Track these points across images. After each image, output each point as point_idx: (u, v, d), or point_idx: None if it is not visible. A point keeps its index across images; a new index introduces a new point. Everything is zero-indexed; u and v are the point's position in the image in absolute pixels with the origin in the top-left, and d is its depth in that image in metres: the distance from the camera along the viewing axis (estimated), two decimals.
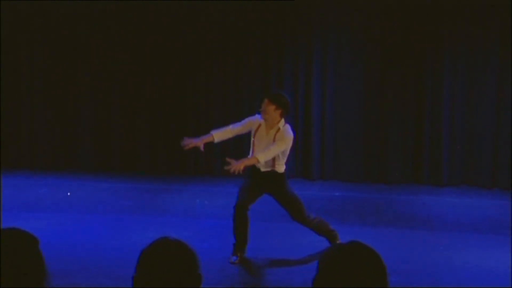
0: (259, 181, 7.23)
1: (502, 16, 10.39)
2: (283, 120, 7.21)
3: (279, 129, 7.16)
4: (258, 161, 7.06)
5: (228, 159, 7.07)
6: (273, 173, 7.21)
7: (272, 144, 7.09)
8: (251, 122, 7.36)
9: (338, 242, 7.20)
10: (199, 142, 7.33)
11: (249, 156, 7.21)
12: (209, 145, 11.42)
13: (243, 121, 7.45)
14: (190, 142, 7.32)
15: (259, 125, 7.27)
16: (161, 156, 11.60)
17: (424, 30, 10.70)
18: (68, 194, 10.20)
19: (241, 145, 11.25)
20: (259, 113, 7.33)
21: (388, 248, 7.31)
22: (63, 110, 11.73)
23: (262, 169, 7.21)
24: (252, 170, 7.32)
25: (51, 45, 11.57)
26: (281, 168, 7.23)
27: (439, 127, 10.85)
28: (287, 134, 7.15)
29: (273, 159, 7.17)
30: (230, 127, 7.43)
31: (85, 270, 6.99)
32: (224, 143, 11.35)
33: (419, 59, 10.82)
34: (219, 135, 7.42)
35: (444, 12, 10.65)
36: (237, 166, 6.94)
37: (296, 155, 11.01)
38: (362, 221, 8.95)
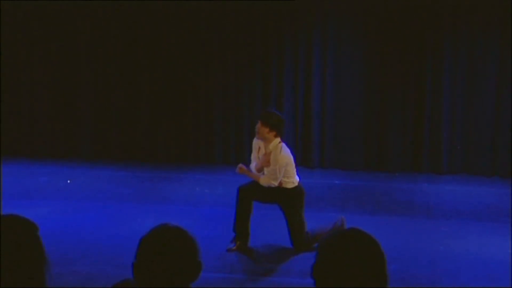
0: (271, 189, 7.24)
1: (503, 3, 10.39)
2: (277, 139, 7.20)
3: (271, 151, 7.18)
4: (259, 182, 7.15)
5: (240, 165, 7.36)
6: (281, 189, 7.24)
7: (269, 167, 7.14)
8: (255, 146, 7.44)
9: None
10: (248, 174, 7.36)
11: (258, 174, 7.24)
12: (210, 133, 11.47)
13: (253, 152, 7.45)
14: (243, 170, 7.34)
15: (259, 147, 7.36)
16: (161, 144, 11.61)
17: (425, 18, 10.68)
18: (68, 182, 10.22)
19: (241, 135, 11.26)
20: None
21: (387, 236, 7.34)
22: (63, 98, 11.74)
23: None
24: None
25: (52, 34, 11.56)
26: (288, 184, 7.24)
27: (439, 115, 10.85)
28: (279, 155, 7.12)
29: None
30: (253, 165, 7.39)
31: (85, 257, 7.01)
32: (225, 132, 11.42)
33: (419, 47, 10.80)
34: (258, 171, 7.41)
35: (445, 0, 10.64)
36: (242, 171, 7.26)
37: (296, 143, 11.03)
38: (362, 209, 8.97)
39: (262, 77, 11.25)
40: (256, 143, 7.39)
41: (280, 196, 7.23)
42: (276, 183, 7.15)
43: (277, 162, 7.09)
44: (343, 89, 11.10)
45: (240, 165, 7.37)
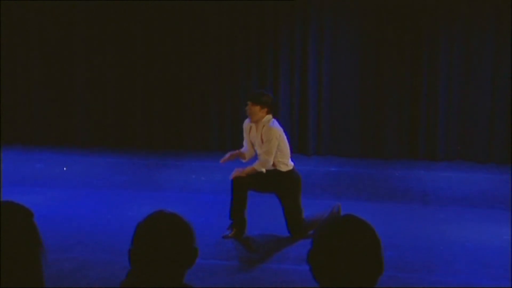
0: (266, 176, 7.22)
1: None
2: (269, 116, 7.18)
3: (263, 126, 7.15)
4: (257, 171, 7.09)
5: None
6: (276, 172, 7.21)
7: (262, 146, 7.10)
8: (245, 128, 7.39)
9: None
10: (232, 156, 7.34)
11: (251, 165, 7.21)
12: (206, 120, 11.47)
13: (244, 135, 7.41)
14: (237, 173, 7.26)
15: (250, 127, 7.29)
16: (158, 131, 11.61)
17: (422, 3, 10.67)
18: (64, 169, 10.21)
19: (237, 122, 11.26)
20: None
21: (383, 223, 7.35)
22: (60, 86, 11.73)
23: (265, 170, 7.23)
24: None
25: (48, 23, 11.53)
26: (282, 166, 7.21)
27: (435, 102, 10.86)
28: (271, 130, 7.11)
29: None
30: (243, 149, 7.37)
31: (82, 244, 7.01)
32: (221, 119, 11.41)
33: (415, 34, 10.79)
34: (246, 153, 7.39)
35: None
36: (239, 173, 7.12)
37: (293, 130, 11.03)
38: (358, 196, 8.98)
39: (258, 64, 11.23)
40: (247, 124, 7.36)
41: (276, 183, 7.19)
42: (271, 159, 7.08)
43: (270, 134, 7.06)
44: (340, 76, 11.10)
45: (233, 172, 7.28)
